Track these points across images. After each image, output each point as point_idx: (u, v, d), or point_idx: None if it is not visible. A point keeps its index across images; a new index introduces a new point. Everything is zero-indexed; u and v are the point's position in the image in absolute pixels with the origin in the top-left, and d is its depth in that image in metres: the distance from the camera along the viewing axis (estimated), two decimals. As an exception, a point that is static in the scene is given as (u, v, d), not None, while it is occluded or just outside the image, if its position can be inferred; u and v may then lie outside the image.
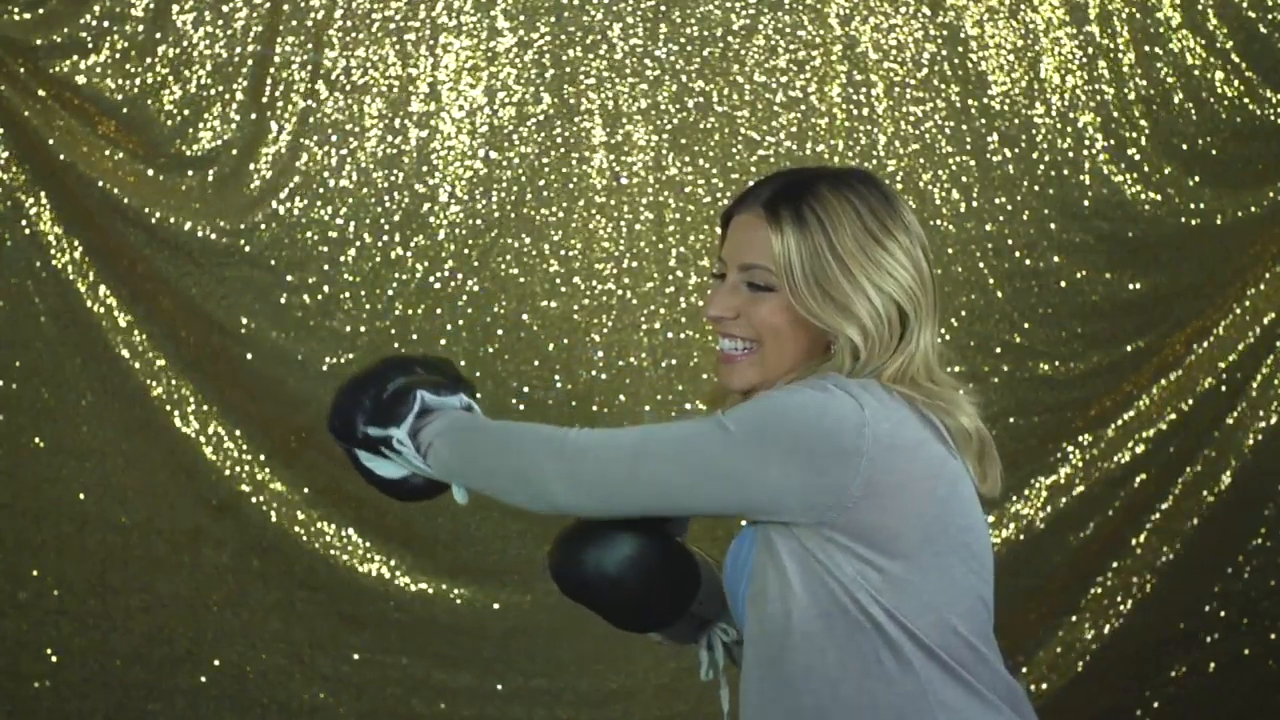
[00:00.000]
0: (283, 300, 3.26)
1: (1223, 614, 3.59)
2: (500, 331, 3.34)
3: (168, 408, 3.23)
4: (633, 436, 1.66)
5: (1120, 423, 3.54)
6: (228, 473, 3.26)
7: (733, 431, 1.61)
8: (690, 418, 1.70)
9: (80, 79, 3.15)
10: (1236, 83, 3.53)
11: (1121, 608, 3.55)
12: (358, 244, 3.28)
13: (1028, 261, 3.46)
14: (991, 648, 1.70)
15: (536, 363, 3.34)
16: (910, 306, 1.69)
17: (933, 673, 1.62)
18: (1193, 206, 3.53)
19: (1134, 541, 3.55)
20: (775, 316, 1.70)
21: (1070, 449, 3.53)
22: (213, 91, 3.20)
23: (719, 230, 1.79)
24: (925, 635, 1.62)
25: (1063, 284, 3.47)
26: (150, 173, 3.20)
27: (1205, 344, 3.55)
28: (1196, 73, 3.52)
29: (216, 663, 3.29)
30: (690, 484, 1.63)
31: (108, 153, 3.19)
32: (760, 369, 1.73)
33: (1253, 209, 3.55)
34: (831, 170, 1.75)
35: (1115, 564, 3.54)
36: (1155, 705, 3.58)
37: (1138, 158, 3.50)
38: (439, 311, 3.32)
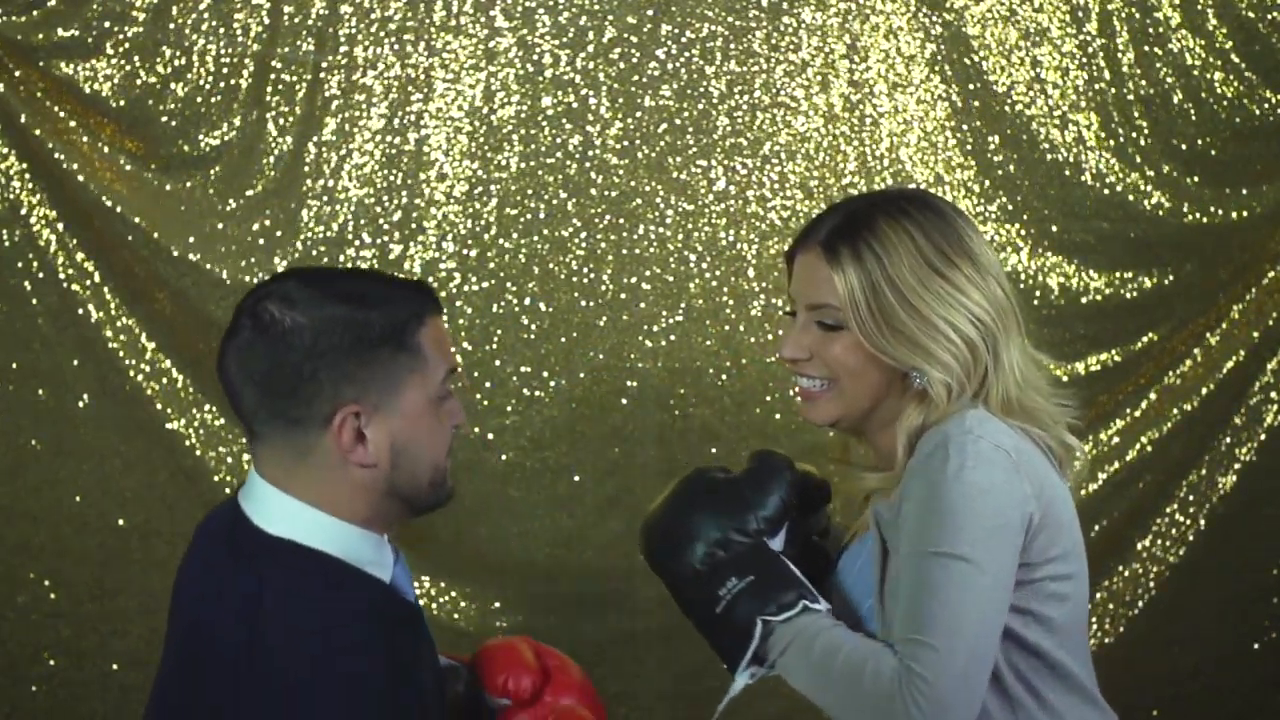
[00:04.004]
0: (282, 301, 3.25)
1: (1224, 615, 3.59)
2: (500, 331, 3.33)
3: (167, 409, 3.22)
4: (939, 639, 1.60)
5: (1124, 424, 3.54)
6: (227, 474, 3.25)
7: (971, 559, 1.59)
8: (930, 573, 1.62)
9: (81, 79, 3.14)
10: (1236, 83, 3.53)
11: (1126, 610, 3.54)
12: (357, 244, 3.27)
13: (1030, 262, 3.46)
14: (1092, 678, 1.78)
15: (536, 363, 3.33)
16: (982, 333, 1.68)
17: (1073, 713, 1.69)
18: (1193, 206, 3.53)
19: (1138, 544, 3.55)
20: (849, 355, 1.71)
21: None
22: (214, 92, 3.19)
23: (786, 266, 1.80)
24: (1058, 668, 1.69)
25: (1065, 285, 3.47)
26: (148, 177, 3.19)
27: (1208, 344, 3.55)
28: (1196, 73, 3.52)
29: (215, 665, 3.28)
30: (996, 621, 1.62)
31: (106, 151, 3.17)
32: (840, 403, 1.74)
33: (1253, 209, 3.55)
34: (890, 197, 1.74)
35: (1120, 566, 3.54)
36: (1156, 705, 3.57)
37: (1138, 158, 3.50)
38: (438, 312, 3.30)
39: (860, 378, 1.71)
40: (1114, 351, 3.52)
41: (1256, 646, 3.61)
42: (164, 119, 3.17)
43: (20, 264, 3.16)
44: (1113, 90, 3.48)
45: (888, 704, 1.59)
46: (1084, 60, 3.46)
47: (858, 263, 1.67)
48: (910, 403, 1.72)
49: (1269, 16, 3.53)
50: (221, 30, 3.18)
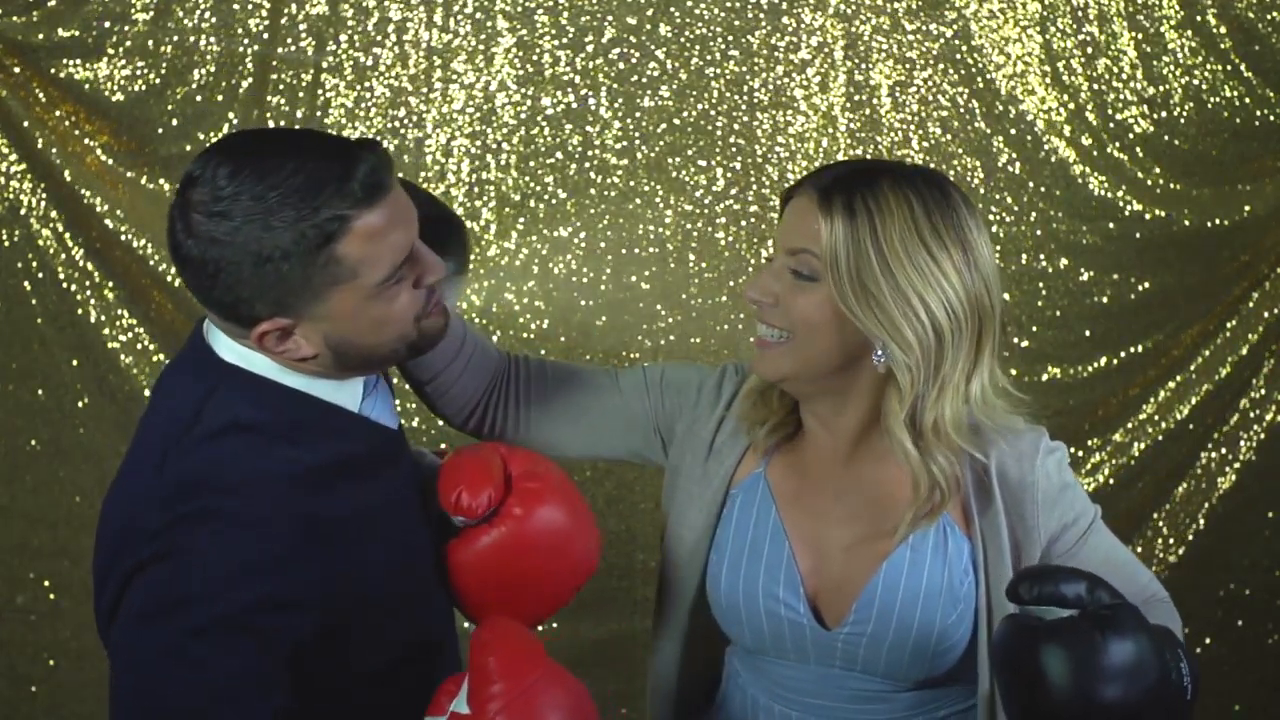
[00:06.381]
0: (281, 301, 3.25)
1: (1225, 615, 3.59)
2: (500, 331, 3.32)
3: (166, 409, 3.21)
4: (1145, 568, 1.88)
5: (1128, 425, 3.54)
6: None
7: (1097, 509, 1.80)
8: (1103, 535, 1.84)
9: (81, 79, 3.14)
10: (1236, 83, 3.53)
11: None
12: (357, 245, 3.27)
13: (1035, 264, 3.46)
14: None
15: (536, 364, 3.33)
16: (953, 325, 1.64)
17: None
18: (1194, 207, 3.53)
19: (1138, 543, 3.55)
20: (814, 311, 1.65)
21: (1079, 453, 3.52)
22: (214, 92, 3.19)
23: (778, 210, 1.76)
24: None
25: (1070, 286, 3.47)
26: (147, 177, 3.19)
27: (1212, 345, 3.55)
28: (1196, 73, 3.51)
29: (215, 666, 3.27)
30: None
31: (106, 151, 3.17)
32: (793, 359, 1.68)
33: (1254, 209, 3.55)
34: (902, 167, 1.70)
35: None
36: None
37: (1140, 158, 3.50)
38: (438, 312, 3.30)
39: (819, 336, 1.65)
40: (1120, 352, 3.52)
41: (1257, 646, 3.60)
42: (164, 119, 3.17)
43: (20, 264, 3.16)
44: (1114, 91, 3.48)
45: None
46: (1084, 60, 3.46)
47: (849, 215, 1.62)
48: (875, 387, 1.70)
49: (1269, 16, 3.53)
50: (221, 30, 3.18)
